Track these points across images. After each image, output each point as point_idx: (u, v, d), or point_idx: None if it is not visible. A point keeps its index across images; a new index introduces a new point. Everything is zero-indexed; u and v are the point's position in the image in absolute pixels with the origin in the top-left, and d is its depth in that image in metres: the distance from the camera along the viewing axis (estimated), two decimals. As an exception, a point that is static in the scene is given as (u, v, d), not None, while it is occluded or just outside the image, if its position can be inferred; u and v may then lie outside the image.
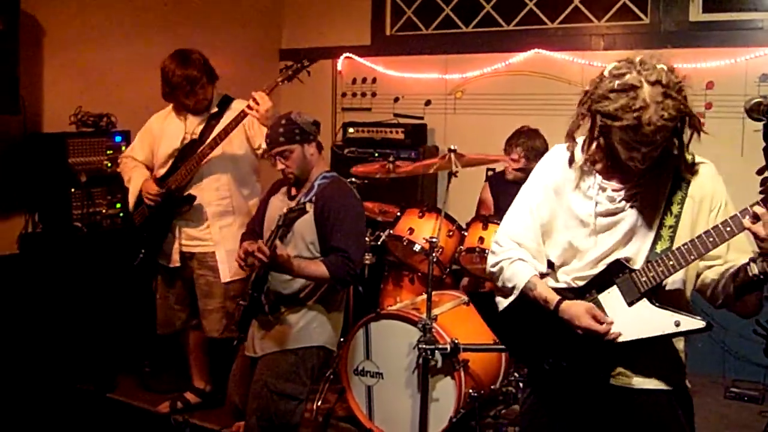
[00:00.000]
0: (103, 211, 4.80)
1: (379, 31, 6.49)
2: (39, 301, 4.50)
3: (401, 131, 5.98)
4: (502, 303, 2.48)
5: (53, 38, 4.89)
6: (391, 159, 4.67)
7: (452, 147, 4.09)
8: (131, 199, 4.23)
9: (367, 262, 4.57)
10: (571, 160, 2.38)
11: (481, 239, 4.32)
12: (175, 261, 4.22)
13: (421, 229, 4.37)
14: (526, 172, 4.65)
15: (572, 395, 2.41)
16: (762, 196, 2.03)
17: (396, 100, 6.36)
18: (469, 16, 6.17)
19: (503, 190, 4.90)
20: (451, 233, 4.42)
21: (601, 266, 2.32)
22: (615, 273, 2.28)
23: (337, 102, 6.65)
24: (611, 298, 2.28)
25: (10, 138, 4.68)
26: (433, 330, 3.80)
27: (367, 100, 6.54)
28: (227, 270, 4.16)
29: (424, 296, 4.00)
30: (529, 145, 4.75)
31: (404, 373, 3.99)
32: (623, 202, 2.29)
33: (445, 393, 3.89)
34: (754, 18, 5.04)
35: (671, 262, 2.16)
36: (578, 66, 5.58)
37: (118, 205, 4.81)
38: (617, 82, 2.10)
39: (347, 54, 6.53)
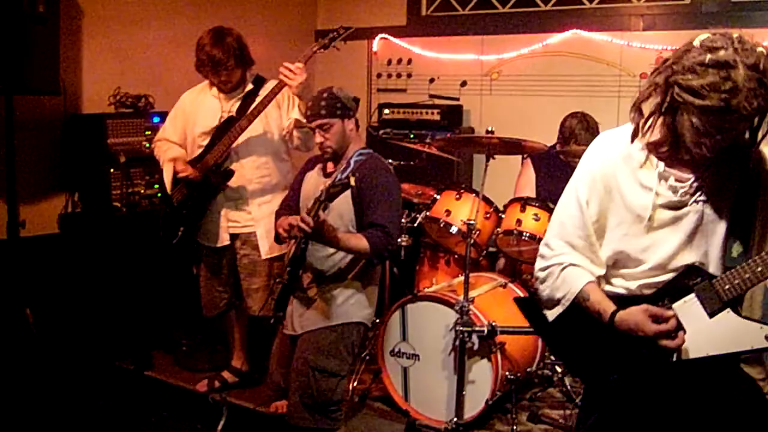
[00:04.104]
0: (141, 191, 4.84)
1: (415, 11, 6.45)
2: (79, 279, 4.58)
3: (437, 112, 5.93)
4: (549, 315, 2.29)
5: (92, 20, 4.92)
6: (428, 140, 4.66)
7: (490, 128, 4.05)
8: (167, 178, 4.21)
9: (403, 243, 4.57)
10: (635, 135, 2.08)
11: (519, 221, 4.28)
12: (224, 240, 4.22)
13: (459, 211, 4.34)
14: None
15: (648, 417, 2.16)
16: None
17: (431, 81, 6.29)
18: (506, -4, 6.10)
19: (546, 171, 4.85)
20: (488, 215, 4.39)
21: (671, 272, 2.10)
22: (691, 280, 2.06)
23: (373, 83, 6.63)
24: (688, 308, 2.07)
25: (51, 119, 4.74)
26: (470, 312, 3.80)
27: (402, 81, 6.51)
28: (267, 246, 4.17)
29: (461, 278, 3.98)
30: (582, 126, 4.67)
31: (440, 355, 3.99)
32: (687, 196, 2.06)
33: (482, 375, 3.89)
34: (800, -3, 4.90)
35: (759, 269, 1.94)
36: (617, 47, 5.50)
37: (156, 186, 4.83)
38: (709, 56, 1.85)
39: (383, 35, 6.50)
